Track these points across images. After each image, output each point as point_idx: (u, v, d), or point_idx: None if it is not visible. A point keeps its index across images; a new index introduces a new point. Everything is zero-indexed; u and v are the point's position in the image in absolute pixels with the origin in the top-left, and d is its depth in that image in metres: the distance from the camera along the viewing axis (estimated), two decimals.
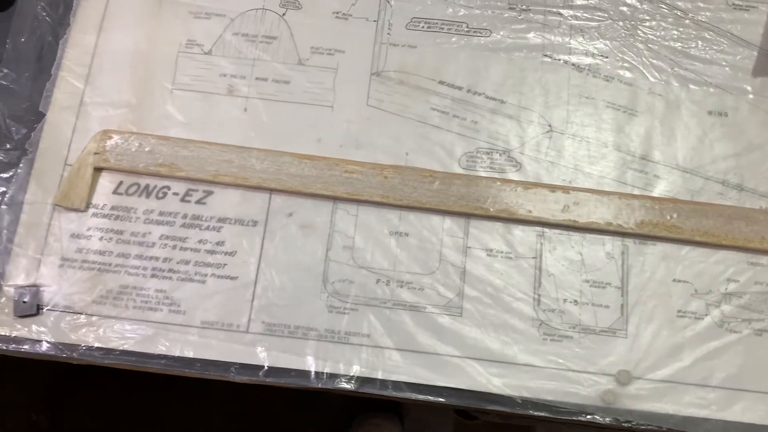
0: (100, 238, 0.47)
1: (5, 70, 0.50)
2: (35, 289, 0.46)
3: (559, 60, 0.51)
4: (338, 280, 0.46)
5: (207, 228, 0.47)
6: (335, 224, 0.48)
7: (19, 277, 0.46)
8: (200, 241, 0.47)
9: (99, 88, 0.50)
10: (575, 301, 0.46)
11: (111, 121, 0.49)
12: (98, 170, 0.48)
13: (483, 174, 0.48)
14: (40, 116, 0.49)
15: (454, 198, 0.47)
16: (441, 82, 0.51)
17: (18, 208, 0.47)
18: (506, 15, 0.52)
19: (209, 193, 0.48)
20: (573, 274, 0.47)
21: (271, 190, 0.48)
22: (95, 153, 0.48)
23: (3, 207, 0.47)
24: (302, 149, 0.49)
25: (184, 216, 0.48)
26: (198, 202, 0.48)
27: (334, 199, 0.48)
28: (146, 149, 0.48)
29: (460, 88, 0.51)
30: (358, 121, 0.50)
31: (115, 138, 0.48)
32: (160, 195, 0.48)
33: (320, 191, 0.48)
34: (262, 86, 0.51)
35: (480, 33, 0.52)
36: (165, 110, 0.50)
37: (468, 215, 0.48)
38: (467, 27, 0.52)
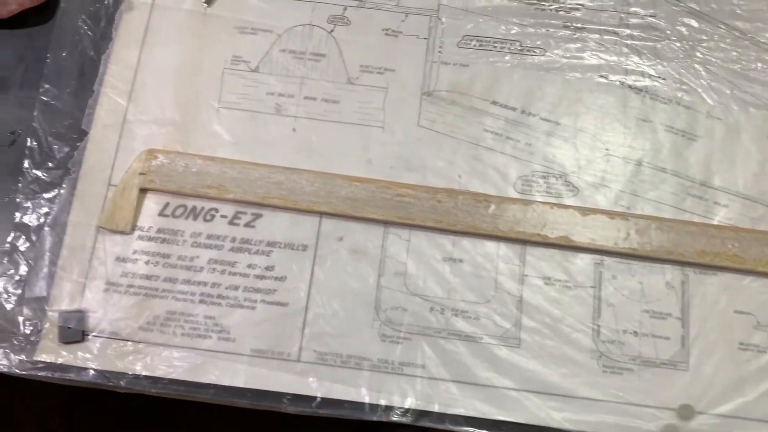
0: (147, 262, 0.46)
1: (46, 86, 0.49)
2: (80, 314, 0.44)
3: (616, 81, 0.50)
4: (391, 308, 0.45)
5: (256, 252, 0.46)
6: (387, 249, 0.46)
7: (63, 301, 0.45)
8: (249, 266, 0.46)
9: (143, 105, 0.49)
10: (635, 332, 0.45)
11: (155, 140, 0.48)
12: (143, 191, 0.47)
13: (539, 198, 0.47)
14: (83, 134, 0.48)
15: (510, 223, 0.46)
16: (494, 103, 0.49)
17: (61, 229, 0.46)
18: (561, 34, 0.51)
19: (258, 216, 0.47)
20: (633, 304, 0.45)
21: (321, 214, 0.47)
22: (140, 173, 0.47)
23: (46, 229, 0.46)
24: (352, 171, 0.48)
25: (233, 240, 0.46)
26: (247, 225, 0.47)
27: (386, 223, 0.47)
28: (193, 170, 0.47)
29: (513, 109, 0.49)
30: (409, 142, 0.48)
31: (161, 158, 0.47)
32: (208, 218, 0.47)
33: (371, 215, 0.46)
34: (311, 105, 0.49)
35: (534, 52, 0.50)
36: (211, 129, 0.48)
37: (524, 242, 0.46)
38: (520, 45, 0.51)
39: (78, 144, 0.48)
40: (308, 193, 0.47)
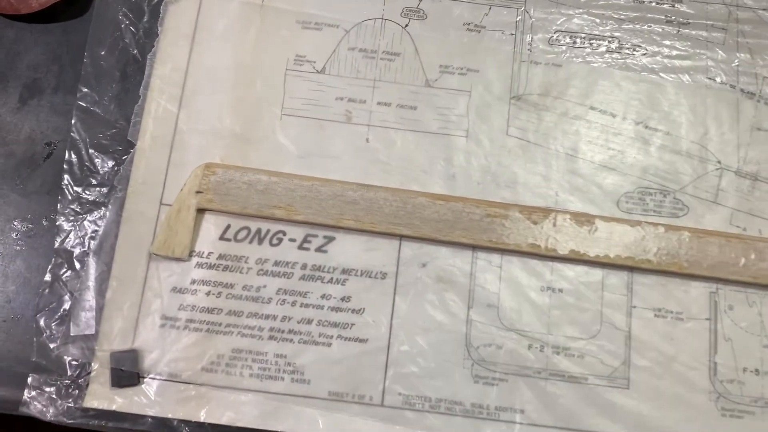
0: (207, 293, 0.40)
1: (84, 90, 0.43)
2: (134, 354, 0.39)
3: (726, 84, 0.44)
4: (483, 345, 0.40)
5: (330, 281, 0.41)
6: (476, 277, 0.41)
7: (114, 340, 0.40)
8: (323, 297, 0.41)
9: (196, 112, 0.43)
10: (756, 370, 0.40)
11: (212, 153, 0.42)
12: (201, 212, 0.41)
13: (646, 218, 0.42)
14: (129, 146, 0.42)
15: (616, 248, 0.41)
16: (592, 108, 0.44)
17: (108, 256, 0.41)
18: (663, 30, 0.45)
19: (330, 239, 0.41)
20: (752, 338, 0.41)
21: (402, 237, 0.41)
22: (197, 191, 0.41)
23: (91, 255, 0.40)
24: (433, 187, 0.42)
25: (304, 266, 0.41)
26: (318, 249, 0.41)
27: (474, 247, 0.41)
28: (258, 188, 0.41)
29: (613, 116, 0.44)
30: (497, 154, 0.43)
31: (220, 173, 0.41)
32: (275, 242, 0.41)
33: (459, 238, 0.41)
34: (385, 112, 0.43)
35: (634, 51, 0.45)
36: (275, 140, 0.43)
37: (631, 268, 0.41)
38: (619, 43, 0.45)
39: (124, 157, 0.42)
40: (387, 214, 0.41)
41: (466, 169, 0.43)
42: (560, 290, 0.41)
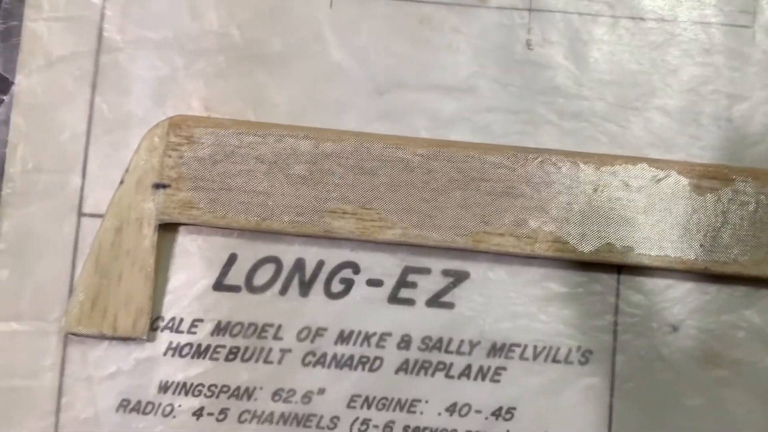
0: (197, 413, 0.18)
1: None
2: None
3: None
4: None
5: (464, 373, 0.18)
6: None
7: None
8: (451, 410, 0.18)
9: (141, 3, 0.20)
10: None
11: (183, 94, 0.19)
12: (167, 229, 0.19)
13: None
14: (2, 85, 0.19)
15: None
16: None
17: None
18: None
19: (460, 278, 0.19)
20: None
21: (620, 268, 0.19)
22: (157, 184, 0.18)
23: None
24: (689, 148, 0.19)
25: (405, 342, 0.19)
26: (434, 302, 0.19)
27: None
28: (293, 170, 0.18)
29: None
30: None
31: (206, 140, 0.18)
32: (338, 288, 0.19)
33: (755, 268, 0.18)
34: None
35: None
36: (322, 57, 0.19)
37: None
38: None
39: None
40: (585, 215, 0.18)
41: (755, 102, 0.19)
42: None
